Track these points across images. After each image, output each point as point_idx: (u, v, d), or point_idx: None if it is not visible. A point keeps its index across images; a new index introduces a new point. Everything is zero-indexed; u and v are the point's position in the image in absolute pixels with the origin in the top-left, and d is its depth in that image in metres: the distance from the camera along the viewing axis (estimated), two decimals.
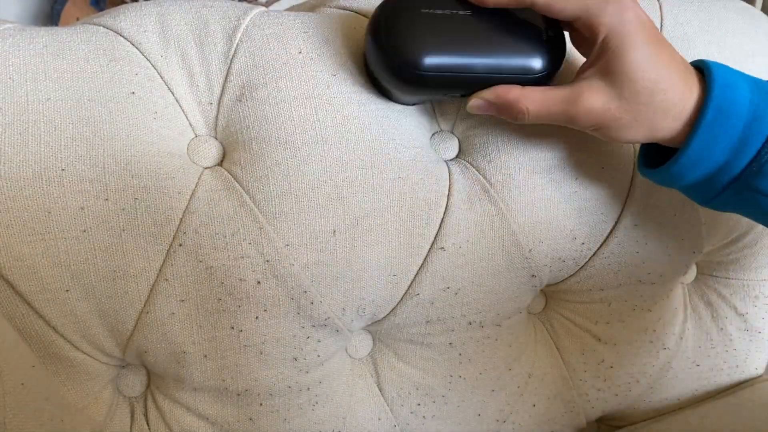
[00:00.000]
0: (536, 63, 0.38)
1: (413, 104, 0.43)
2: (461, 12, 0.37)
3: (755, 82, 0.37)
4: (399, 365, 0.47)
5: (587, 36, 0.37)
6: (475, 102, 0.38)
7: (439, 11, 0.37)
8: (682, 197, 0.48)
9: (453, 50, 0.37)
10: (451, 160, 0.45)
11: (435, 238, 0.43)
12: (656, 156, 0.40)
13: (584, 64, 0.38)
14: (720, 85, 0.35)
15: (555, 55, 0.38)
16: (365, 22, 0.44)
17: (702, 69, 0.37)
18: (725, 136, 0.35)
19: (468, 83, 0.38)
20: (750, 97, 0.35)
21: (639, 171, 0.40)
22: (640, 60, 0.34)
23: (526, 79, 0.38)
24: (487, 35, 0.37)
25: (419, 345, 0.47)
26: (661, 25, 0.50)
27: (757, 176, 0.35)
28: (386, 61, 0.38)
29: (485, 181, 0.44)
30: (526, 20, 0.38)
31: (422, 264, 0.43)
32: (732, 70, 0.37)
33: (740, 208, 0.38)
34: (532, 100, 0.36)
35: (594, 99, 0.35)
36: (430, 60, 0.36)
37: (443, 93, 0.40)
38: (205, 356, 0.40)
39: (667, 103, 0.35)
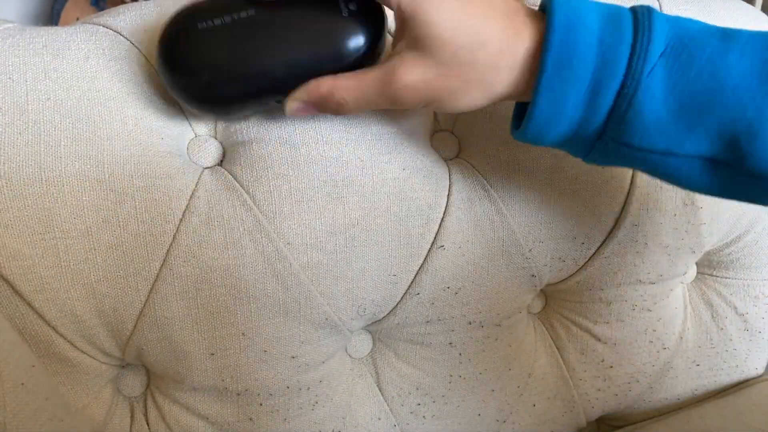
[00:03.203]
0: (342, 45, 0.33)
1: (235, 120, 0.38)
2: (242, 14, 0.32)
3: (610, 13, 0.31)
4: (399, 365, 0.47)
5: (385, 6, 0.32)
6: (290, 106, 0.34)
7: (218, 21, 0.33)
8: (682, 196, 0.48)
9: (243, 61, 0.33)
10: (451, 159, 0.45)
11: (435, 237, 0.43)
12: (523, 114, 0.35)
13: (393, 39, 0.33)
14: (560, 26, 0.30)
15: (363, 30, 0.33)
16: None
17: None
18: (572, 87, 0.30)
19: (276, 89, 0.34)
20: (599, 35, 0.30)
21: (511, 133, 0.35)
22: (446, 18, 0.30)
23: (341, 65, 0.33)
24: (277, 32, 0.33)
25: (419, 345, 0.47)
26: None
27: (619, 129, 0.31)
28: (182, 93, 0.34)
29: (485, 181, 0.44)
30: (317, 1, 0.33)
31: (422, 264, 0.43)
32: (582, 2, 0.31)
33: (624, 163, 0.33)
34: (346, 88, 0.32)
35: (409, 73, 0.31)
36: (222, 80, 0.33)
37: (257, 105, 0.36)
38: (205, 356, 0.40)
39: (493, 56, 0.30)
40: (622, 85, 0.30)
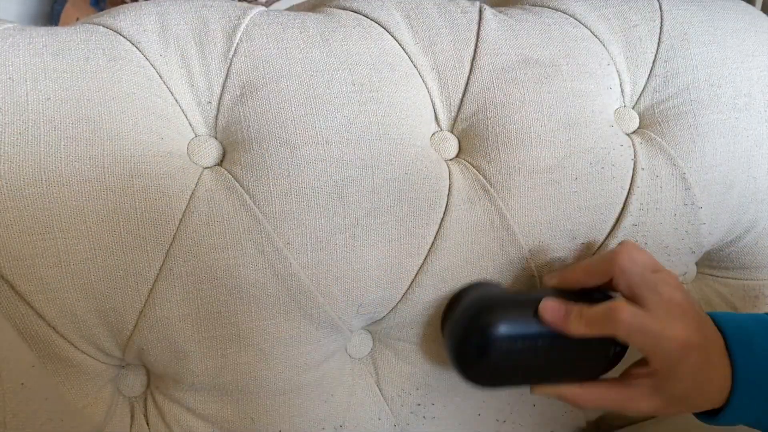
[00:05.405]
0: (597, 375, 0.43)
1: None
2: (538, 342, 0.40)
3: None
4: (399, 365, 0.47)
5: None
6: (539, 391, 0.43)
7: (519, 345, 0.40)
8: (682, 196, 0.48)
9: (528, 380, 0.42)
10: (451, 159, 0.45)
11: (435, 238, 0.43)
12: None
13: (638, 367, 0.42)
14: (744, 372, 0.38)
15: (613, 365, 0.43)
16: (366, 21, 0.44)
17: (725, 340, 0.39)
18: (757, 405, 0.39)
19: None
20: None
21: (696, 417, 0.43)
22: (686, 384, 0.39)
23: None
24: (559, 365, 0.42)
25: (419, 345, 0.47)
26: (661, 25, 0.50)
27: None
28: (468, 378, 0.42)
29: (485, 181, 0.44)
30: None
31: (422, 264, 0.43)
32: (753, 331, 0.40)
33: None
34: (589, 399, 0.41)
35: (645, 404, 0.40)
36: (508, 384, 0.43)
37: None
38: (205, 356, 0.40)
39: (704, 401, 0.40)
40: None
